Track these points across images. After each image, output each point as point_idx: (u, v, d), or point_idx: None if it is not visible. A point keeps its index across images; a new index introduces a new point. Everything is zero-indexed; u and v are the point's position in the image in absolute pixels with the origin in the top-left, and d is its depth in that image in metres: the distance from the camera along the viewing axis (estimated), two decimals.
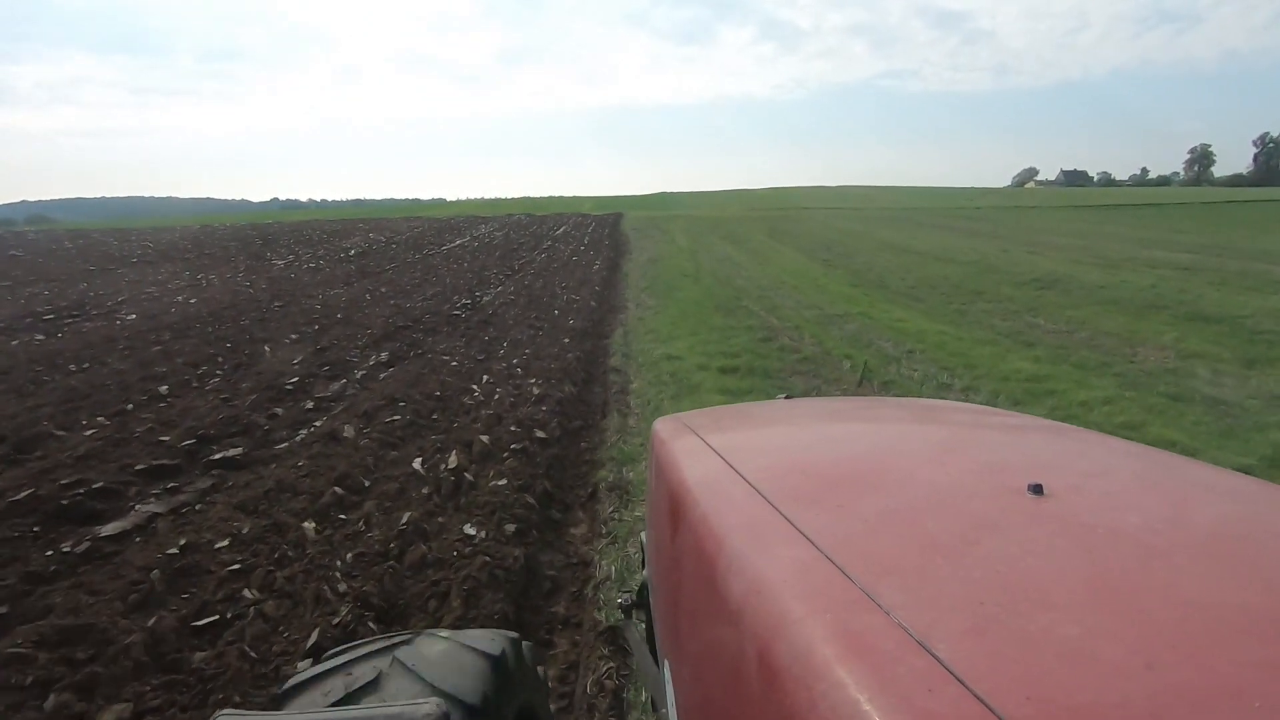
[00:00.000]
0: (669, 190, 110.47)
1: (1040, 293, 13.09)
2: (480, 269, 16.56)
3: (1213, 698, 0.53)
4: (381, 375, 6.85)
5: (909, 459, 1.28)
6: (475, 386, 6.33)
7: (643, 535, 2.36)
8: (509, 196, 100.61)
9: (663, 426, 1.79)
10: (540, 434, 4.86)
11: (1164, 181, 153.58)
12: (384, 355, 7.58)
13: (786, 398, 2.55)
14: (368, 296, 12.29)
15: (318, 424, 5.22)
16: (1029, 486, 0.92)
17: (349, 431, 4.88)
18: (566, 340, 8.41)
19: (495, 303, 11.59)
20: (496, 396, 5.93)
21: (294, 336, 8.71)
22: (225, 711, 1.04)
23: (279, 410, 5.62)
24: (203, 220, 55.54)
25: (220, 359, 7.54)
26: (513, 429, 4.95)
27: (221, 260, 19.46)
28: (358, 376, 6.74)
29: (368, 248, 22.01)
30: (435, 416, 5.39)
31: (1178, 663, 0.57)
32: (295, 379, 6.56)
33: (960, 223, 35.03)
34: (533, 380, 6.43)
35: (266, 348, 8.13)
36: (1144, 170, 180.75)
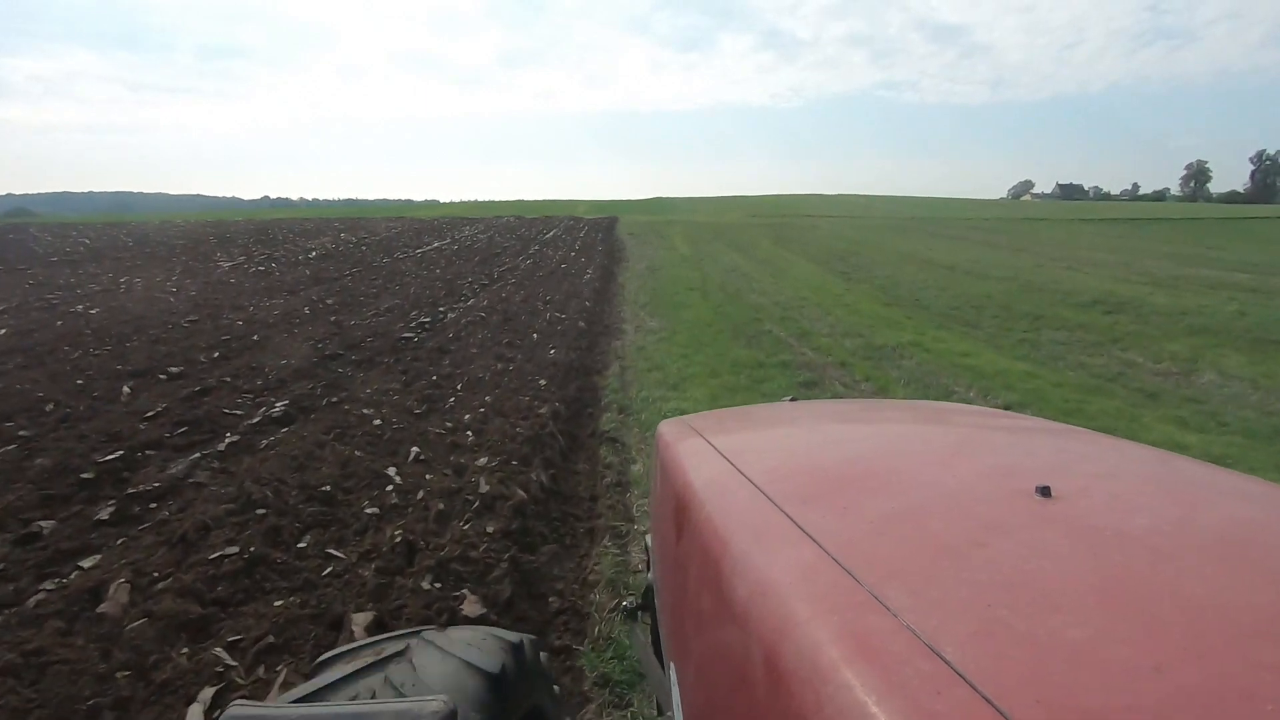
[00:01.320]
0: (665, 195, 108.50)
1: (1111, 318, 11.04)
2: (454, 277, 14.36)
3: (1222, 700, 0.52)
4: (263, 442, 4.64)
5: (916, 461, 1.26)
6: (394, 469, 4.14)
7: (647, 537, 2.19)
8: (504, 199, 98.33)
9: (668, 429, 1.76)
10: (471, 606, 2.66)
11: (1159, 196, 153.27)
12: (281, 406, 5.35)
13: (792, 400, 2.45)
14: (306, 310, 10.06)
15: (86, 565, 2.97)
16: (1036, 489, 0.90)
17: (122, 596, 2.66)
18: (543, 382, 6.23)
19: (460, 322, 9.38)
20: (420, 496, 3.74)
21: (175, 369, 6.48)
22: (238, 703, 1.01)
23: (43, 524, 3.38)
24: (187, 217, 52.90)
25: (51, 405, 5.30)
26: (426, 588, 2.76)
27: (160, 261, 17.15)
28: (224, 445, 4.53)
29: (334, 249, 19.75)
30: (304, 545, 3.19)
31: (1186, 665, 0.56)
32: (126, 448, 4.34)
33: (972, 233, 33.11)
34: (484, 459, 4.25)
35: (128, 387, 5.90)
36: (1135, 185, 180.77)
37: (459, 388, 6.12)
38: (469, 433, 4.87)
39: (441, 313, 10.09)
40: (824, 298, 13.00)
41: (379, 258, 17.68)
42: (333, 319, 9.38)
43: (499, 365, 6.94)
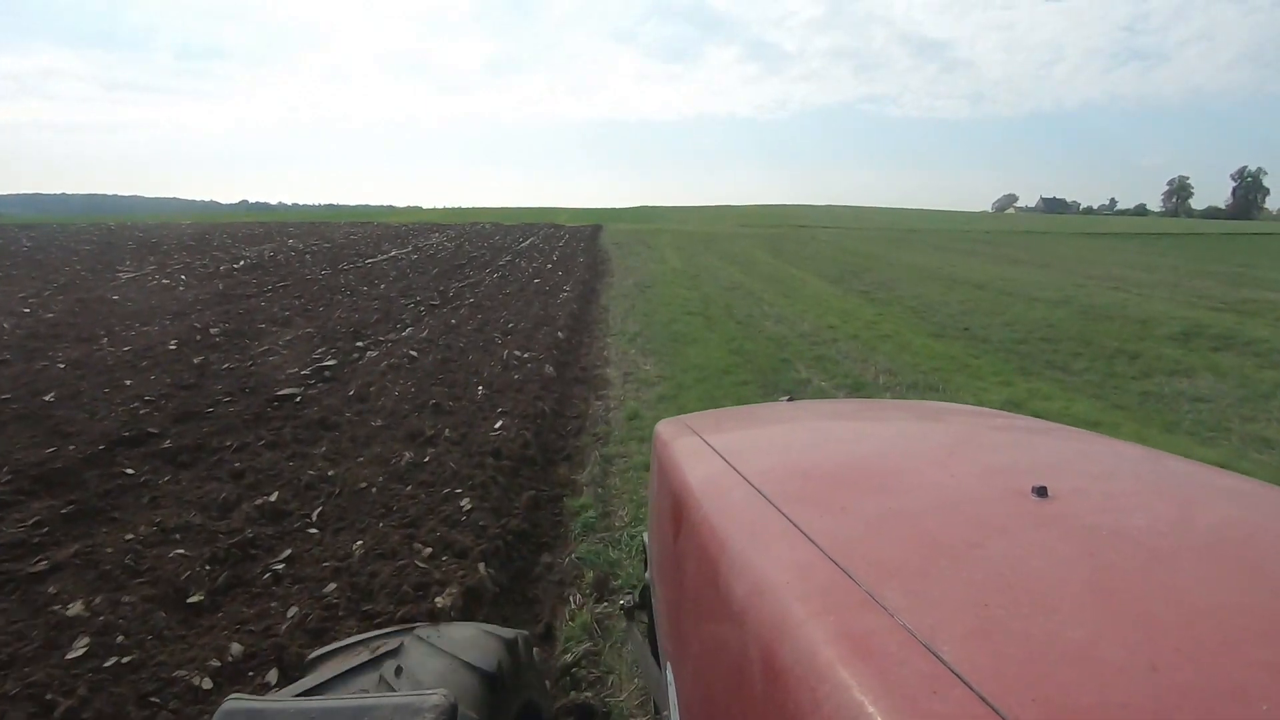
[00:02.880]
0: (651, 204, 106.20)
1: (1223, 357, 8.68)
2: (399, 294, 11.68)
3: (1217, 699, 0.52)
4: None
5: (913, 461, 1.26)
6: None
7: (644, 536, 2.18)
8: (487, 206, 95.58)
9: (665, 428, 1.74)
10: None
11: (1140, 211, 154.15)
12: None
13: (789, 400, 2.39)
14: (173, 345, 7.33)
15: None
16: (1033, 489, 0.90)
17: None
18: (467, 504, 3.59)
19: (379, 366, 6.71)
20: None
21: None
22: (234, 696, 1.00)
23: None
24: (148, 219, 49.35)
25: None
26: None
27: (49, 269, 14.27)
28: None
29: (269, 259, 16.95)
30: None
31: (1182, 664, 0.56)
32: None
33: (980, 247, 30.94)
34: None
35: None
36: (1113, 200, 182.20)
37: (315, 515, 3.48)
38: (270, 673, 2.23)
39: (359, 350, 7.41)
40: (855, 325, 10.50)
41: (318, 270, 14.93)
42: (199, 360, 6.67)
43: (407, 456, 4.30)
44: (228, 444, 4.46)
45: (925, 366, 7.88)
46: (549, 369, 6.77)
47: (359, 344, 7.66)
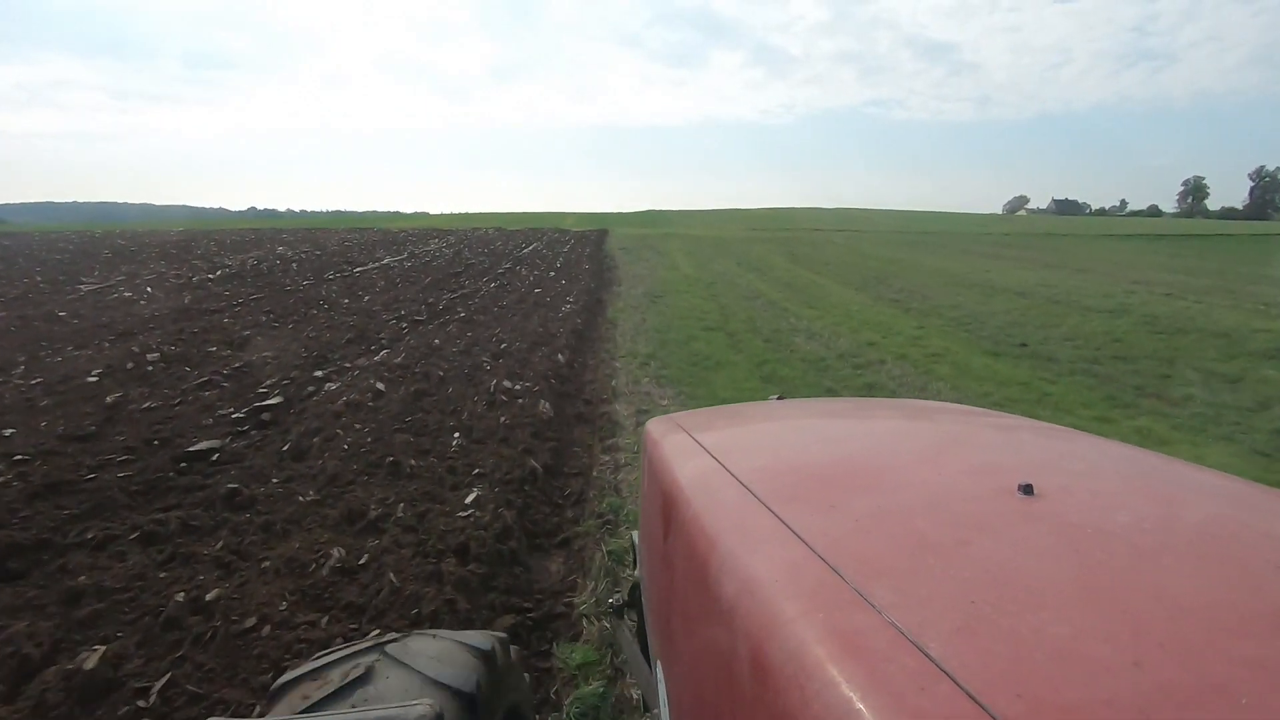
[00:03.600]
0: (657, 208, 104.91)
1: None
2: (381, 308, 10.44)
3: (1200, 695, 0.52)
4: None
5: (900, 459, 1.25)
6: None
7: (634, 535, 2.10)
8: (493, 211, 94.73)
9: (655, 426, 1.74)
10: None
11: (1154, 212, 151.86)
12: None
13: (779, 398, 2.30)
14: (95, 377, 6.08)
15: None
16: (1019, 487, 0.91)
17: None
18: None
19: (333, 405, 5.42)
20: None
21: None
22: (215, 719, 1.03)
23: None
24: (173, 226, 48.40)
25: None
26: None
27: (5, 281, 13.12)
28: None
29: (251, 268, 15.77)
30: None
31: (1165, 661, 0.56)
32: None
33: (1007, 250, 29.51)
34: None
35: None
36: (1123, 201, 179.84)
37: (156, 690, 2.19)
38: None
39: (316, 382, 6.15)
40: (898, 342, 9.19)
41: (300, 279, 13.71)
42: (115, 397, 5.42)
43: (335, 555, 3.02)
44: (88, 537, 3.19)
45: (997, 395, 6.56)
46: (544, 406, 5.48)
47: (319, 373, 6.40)
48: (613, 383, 6.66)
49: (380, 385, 5.90)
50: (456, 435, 4.78)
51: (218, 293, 11.72)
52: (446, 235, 31.26)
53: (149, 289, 11.91)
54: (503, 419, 5.08)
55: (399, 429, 4.89)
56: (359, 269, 15.89)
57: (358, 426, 4.91)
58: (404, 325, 9.10)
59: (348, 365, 6.75)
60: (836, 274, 18.37)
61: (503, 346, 7.80)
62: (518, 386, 6.03)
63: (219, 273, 14.37)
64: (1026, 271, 19.93)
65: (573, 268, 17.60)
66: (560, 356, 7.39)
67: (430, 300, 11.29)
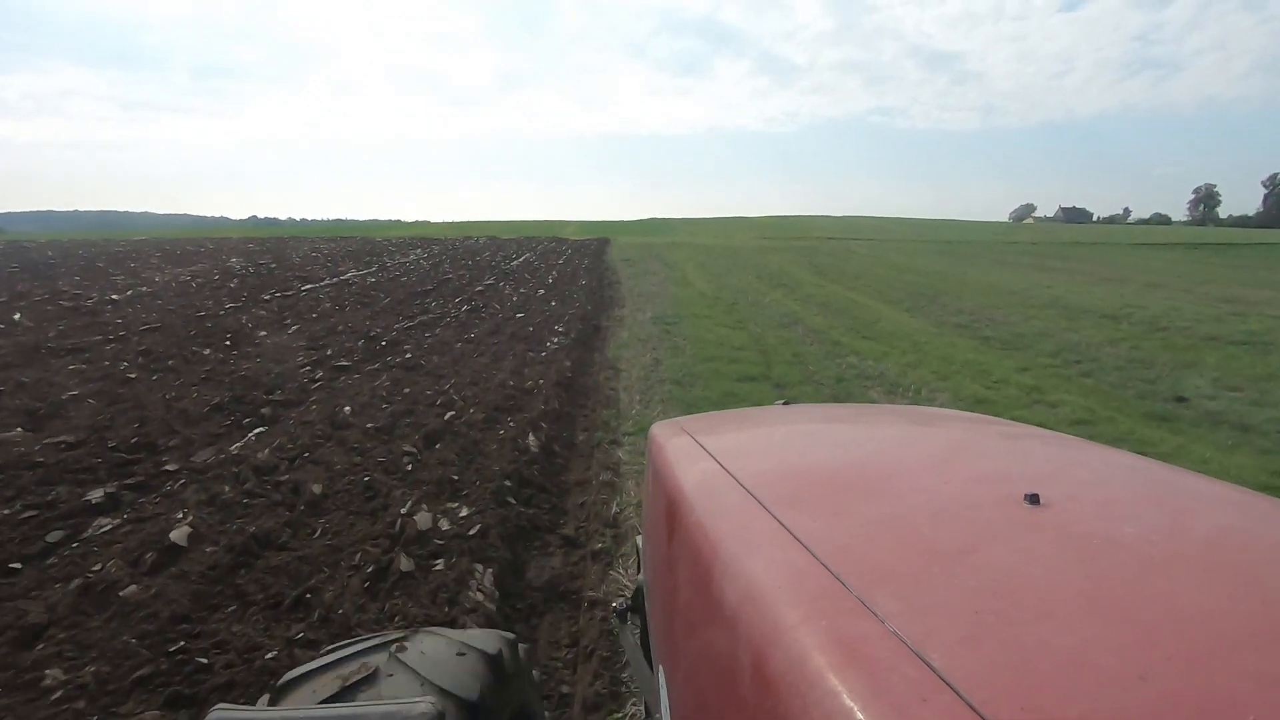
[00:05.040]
0: (661, 216, 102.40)
1: None
2: (308, 343, 7.77)
3: (1207, 708, 0.52)
4: None
5: (906, 466, 1.24)
6: None
7: (638, 539, 2.07)
8: (494, 219, 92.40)
9: (660, 431, 1.71)
10: None
11: (1165, 220, 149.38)
12: None
13: (785, 404, 2.34)
14: None
15: None
16: (1025, 496, 0.89)
17: None
18: None
19: (53, 594, 2.74)
20: None
21: None
22: (220, 706, 1.00)
23: None
24: (167, 234, 45.68)
25: None
26: None
27: None
28: None
29: (180, 284, 13.12)
30: None
31: (1172, 673, 0.55)
32: None
33: (1049, 260, 26.69)
34: None
35: None
36: (1126, 210, 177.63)
37: None
38: None
39: (85, 515, 3.46)
40: (1015, 398, 6.53)
41: (228, 302, 11.03)
42: None
43: None
44: None
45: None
46: (484, 584, 2.80)
47: (103, 491, 3.69)
48: (614, 506, 3.95)
49: (184, 531, 3.19)
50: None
51: (103, 322, 9.05)
52: (431, 245, 28.64)
53: (16, 316, 9.24)
54: (395, 621, 2.39)
55: (143, 679, 2.22)
56: (309, 286, 13.22)
57: (64, 674, 2.22)
58: (319, 374, 6.43)
59: (171, 469, 4.05)
60: (874, 290, 15.69)
61: (447, 417, 5.13)
62: (445, 525, 3.34)
63: (129, 292, 11.70)
64: (1091, 286, 17.25)
65: (567, 284, 14.94)
66: (531, 439, 4.71)
67: (376, 331, 8.62)
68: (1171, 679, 0.54)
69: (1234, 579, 0.72)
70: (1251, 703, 0.51)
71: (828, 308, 12.61)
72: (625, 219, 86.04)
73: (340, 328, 8.87)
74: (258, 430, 4.82)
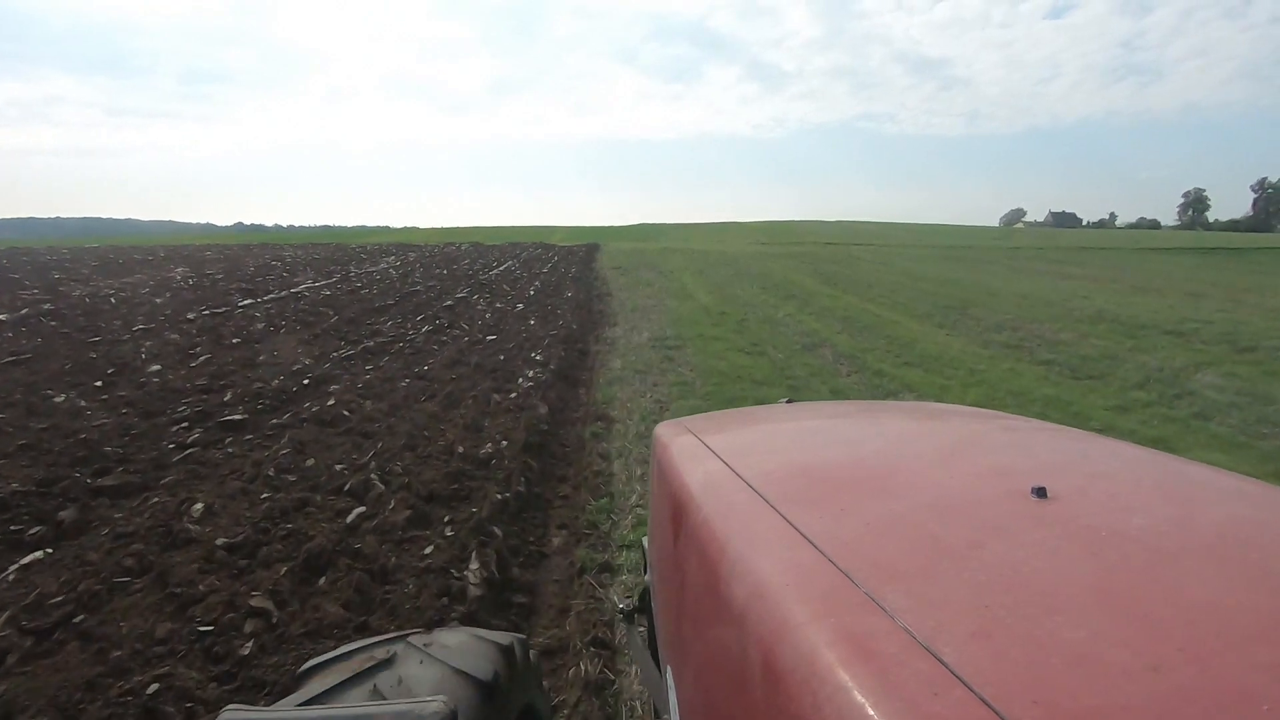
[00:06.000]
0: (652, 221, 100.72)
1: None
2: (209, 382, 5.97)
3: (1219, 700, 0.51)
4: None
5: (912, 462, 1.23)
6: None
7: (644, 539, 2.07)
8: (483, 225, 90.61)
9: (665, 430, 1.68)
10: None
11: (1154, 225, 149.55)
12: None
13: (789, 402, 2.29)
14: None
15: None
16: (1033, 490, 0.89)
17: None
18: None
19: None
20: None
21: None
22: (232, 706, 0.98)
23: None
24: (149, 241, 43.30)
25: None
26: None
27: None
28: None
29: (93, 301, 11.25)
30: None
31: (1183, 665, 0.55)
32: None
33: (1067, 268, 25.04)
34: None
35: None
36: (1112, 214, 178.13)
37: None
38: None
39: None
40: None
41: (138, 323, 9.16)
42: None
43: None
44: None
45: None
46: None
47: None
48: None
49: None
50: None
51: None
52: (410, 251, 26.77)
53: None
54: None
55: None
56: (248, 302, 11.36)
57: None
58: (194, 435, 4.62)
59: None
60: (894, 302, 14.02)
61: (351, 518, 3.36)
62: None
63: (24, 311, 9.80)
64: (1128, 296, 15.68)
65: (551, 295, 13.17)
66: (473, 571, 2.93)
67: (303, 365, 6.81)
68: (1183, 671, 0.54)
69: (1244, 570, 0.71)
70: (1264, 694, 0.50)
71: (851, 324, 10.91)
72: (615, 225, 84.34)
73: (262, 357, 7.06)
74: (34, 555, 3.02)
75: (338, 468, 4.10)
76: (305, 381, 6.12)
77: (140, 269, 16.87)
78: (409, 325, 9.38)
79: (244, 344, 7.89)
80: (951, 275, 20.52)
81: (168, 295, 12.00)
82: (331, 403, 5.48)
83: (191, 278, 14.71)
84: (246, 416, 5.05)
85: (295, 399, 5.65)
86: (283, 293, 12.62)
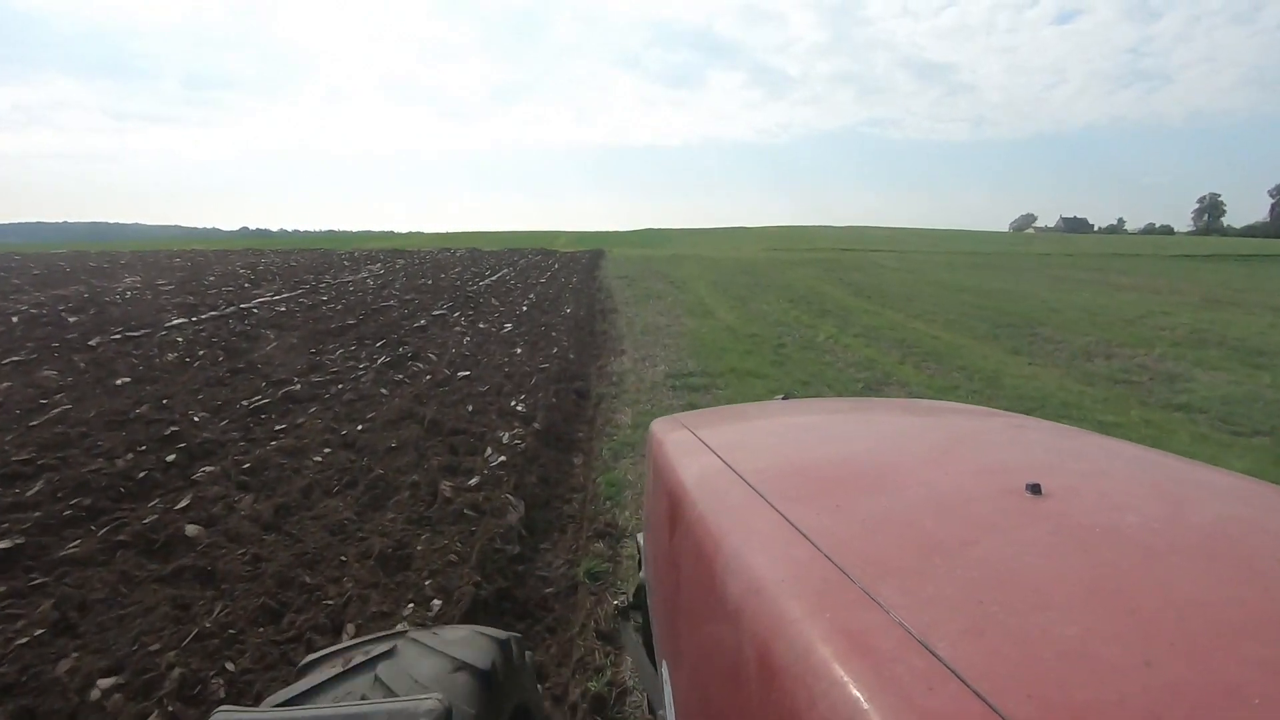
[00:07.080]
0: (657, 226, 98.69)
1: None
2: (19, 459, 4.07)
3: (1211, 695, 0.52)
4: None
5: (907, 458, 1.23)
6: None
7: (639, 536, 2.04)
8: (486, 230, 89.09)
9: (660, 426, 1.69)
10: None
11: (1166, 230, 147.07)
12: None
13: (785, 398, 2.26)
14: None
15: None
16: (1027, 486, 0.89)
17: None
18: None
19: None
20: None
21: None
22: (223, 708, 0.96)
23: None
24: (153, 246, 41.56)
25: None
26: None
27: None
28: None
29: (19, 315, 9.38)
30: None
31: (1176, 661, 0.55)
32: None
33: (1114, 277, 22.77)
34: None
35: None
36: (1120, 220, 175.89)
37: None
38: None
39: None
40: None
41: (13, 355, 7.26)
42: None
43: None
44: None
45: None
46: None
47: None
48: None
49: None
50: None
51: None
52: (399, 258, 24.86)
53: None
54: None
55: None
56: (179, 322, 9.39)
57: None
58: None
59: None
60: (946, 319, 12.01)
61: None
62: None
63: None
64: (1204, 311, 13.62)
65: (546, 312, 11.21)
66: None
67: (182, 426, 4.85)
68: (1177, 666, 0.54)
69: (1238, 567, 0.71)
70: (1257, 690, 0.50)
71: (910, 350, 8.91)
72: (619, 230, 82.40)
73: (130, 414, 5.10)
74: None
75: (100, 679, 2.14)
76: (170, 458, 4.16)
77: (87, 278, 14.97)
78: (360, 356, 7.42)
79: (133, 384, 5.94)
80: (991, 285, 18.51)
81: (91, 313, 10.08)
82: (185, 504, 3.51)
83: (132, 290, 12.78)
84: (25, 541, 3.09)
85: (133, 494, 3.69)
86: (228, 309, 10.68)
